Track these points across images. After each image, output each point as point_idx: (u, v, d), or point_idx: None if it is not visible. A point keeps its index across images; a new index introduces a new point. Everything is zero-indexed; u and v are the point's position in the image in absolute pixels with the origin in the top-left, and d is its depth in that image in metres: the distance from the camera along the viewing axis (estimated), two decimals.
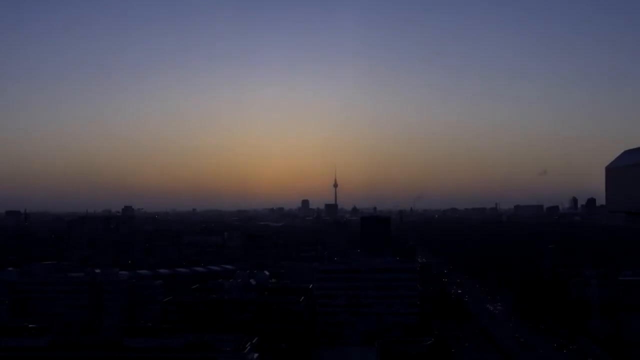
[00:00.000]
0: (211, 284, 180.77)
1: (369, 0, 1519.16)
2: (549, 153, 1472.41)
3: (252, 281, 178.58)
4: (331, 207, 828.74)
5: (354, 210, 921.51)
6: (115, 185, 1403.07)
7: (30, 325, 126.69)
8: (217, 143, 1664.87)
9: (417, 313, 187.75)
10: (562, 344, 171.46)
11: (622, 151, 9.53)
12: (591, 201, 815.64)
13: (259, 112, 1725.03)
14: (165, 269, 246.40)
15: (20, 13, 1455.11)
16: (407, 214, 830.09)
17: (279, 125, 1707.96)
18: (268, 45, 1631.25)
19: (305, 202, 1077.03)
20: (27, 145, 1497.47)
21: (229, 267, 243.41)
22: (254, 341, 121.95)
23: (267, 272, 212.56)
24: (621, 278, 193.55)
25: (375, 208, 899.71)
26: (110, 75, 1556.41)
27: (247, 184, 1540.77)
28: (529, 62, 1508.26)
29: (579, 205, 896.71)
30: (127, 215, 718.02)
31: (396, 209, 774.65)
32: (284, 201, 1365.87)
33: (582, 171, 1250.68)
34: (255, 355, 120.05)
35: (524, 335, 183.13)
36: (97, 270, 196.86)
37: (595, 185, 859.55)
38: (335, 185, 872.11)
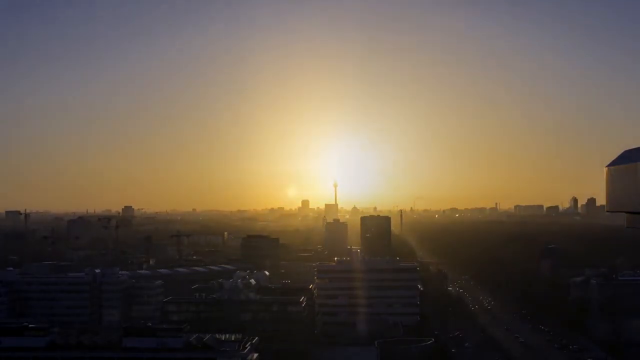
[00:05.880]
0: (211, 284, 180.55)
1: (371, 3, 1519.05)
2: (549, 153, 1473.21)
3: (252, 281, 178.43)
4: (331, 207, 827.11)
5: (354, 210, 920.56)
6: (115, 185, 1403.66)
7: (30, 325, 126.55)
8: (217, 143, 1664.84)
9: (417, 313, 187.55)
10: (562, 344, 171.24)
11: (622, 151, 9.51)
12: (591, 201, 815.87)
13: (259, 112, 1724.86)
14: (165, 269, 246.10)
15: (18, 13, 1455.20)
16: (407, 213, 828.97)
17: (279, 125, 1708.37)
18: (269, 45, 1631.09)
19: (305, 202, 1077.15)
20: (27, 145, 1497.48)
21: (229, 267, 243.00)
22: (254, 341, 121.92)
23: (267, 272, 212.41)
24: (621, 278, 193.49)
25: (375, 208, 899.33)
26: (111, 76, 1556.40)
27: (247, 184, 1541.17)
28: (529, 63, 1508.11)
29: (579, 205, 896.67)
30: (127, 215, 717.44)
31: (396, 209, 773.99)
32: (284, 201, 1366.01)
33: (582, 171, 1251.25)
34: (255, 355, 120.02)
35: (524, 335, 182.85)
36: (97, 270, 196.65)
37: (595, 185, 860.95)
38: (335, 186, 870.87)
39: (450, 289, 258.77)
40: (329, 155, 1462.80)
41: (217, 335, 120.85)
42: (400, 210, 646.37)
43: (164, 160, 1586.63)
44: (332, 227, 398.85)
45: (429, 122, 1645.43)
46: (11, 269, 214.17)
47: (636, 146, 9.31)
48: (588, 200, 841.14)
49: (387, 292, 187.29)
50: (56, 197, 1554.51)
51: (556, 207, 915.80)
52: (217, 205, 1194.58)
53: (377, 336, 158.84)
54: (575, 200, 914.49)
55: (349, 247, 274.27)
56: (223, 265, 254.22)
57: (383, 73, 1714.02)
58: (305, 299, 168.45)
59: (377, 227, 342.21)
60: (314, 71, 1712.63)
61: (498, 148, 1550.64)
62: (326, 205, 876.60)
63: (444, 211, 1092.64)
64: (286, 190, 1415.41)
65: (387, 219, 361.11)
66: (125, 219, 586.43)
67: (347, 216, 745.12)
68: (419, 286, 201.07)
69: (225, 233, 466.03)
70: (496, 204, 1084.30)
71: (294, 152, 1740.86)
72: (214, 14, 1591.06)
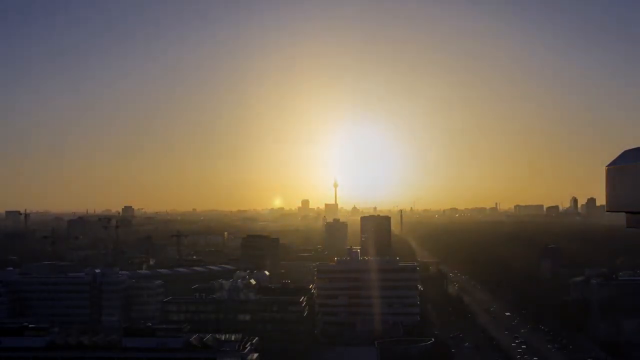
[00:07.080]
0: (211, 284, 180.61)
1: (371, 3, 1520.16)
2: (549, 153, 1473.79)
3: (252, 281, 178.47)
4: (331, 207, 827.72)
5: (354, 210, 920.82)
6: (115, 185, 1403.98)
7: (30, 325, 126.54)
8: (218, 143, 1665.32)
9: (417, 313, 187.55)
10: (562, 344, 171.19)
11: (622, 151, 9.48)
12: (591, 201, 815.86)
13: (259, 112, 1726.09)
14: (165, 269, 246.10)
15: (18, 12, 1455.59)
16: (407, 213, 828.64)
17: (280, 125, 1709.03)
18: (269, 46, 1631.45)
19: (305, 202, 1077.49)
20: (27, 145, 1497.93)
21: (229, 267, 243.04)
22: (254, 341, 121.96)
23: (267, 272, 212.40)
24: (621, 278, 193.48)
25: (375, 208, 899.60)
26: (111, 76, 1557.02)
27: (247, 184, 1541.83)
28: (529, 63, 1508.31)
29: (579, 205, 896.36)
30: (127, 215, 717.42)
31: (396, 209, 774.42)
32: (284, 201, 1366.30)
33: (582, 171, 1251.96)
34: (255, 355, 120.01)
35: (524, 335, 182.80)
36: (97, 270, 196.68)
37: (595, 185, 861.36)
38: (335, 185, 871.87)
39: (450, 289, 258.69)
40: (329, 155, 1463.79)
41: (217, 335, 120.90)
42: (400, 210, 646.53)
43: (164, 160, 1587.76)
44: (332, 227, 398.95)
45: (429, 122, 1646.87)
46: (11, 269, 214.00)
47: (636, 146, 9.27)
48: (588, 200, 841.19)
49: (387, 292, 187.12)
50: (56, 197, 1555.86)
51: (556, 207, 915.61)
52: (217, 205, 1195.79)
53: (377, 336, 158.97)
54: (575, 200, 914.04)
55: (349, 247, 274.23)
56: (223, 265, 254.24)
57: (383, 73, 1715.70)
58: (305, 299, 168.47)
59: (377, 227, 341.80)
60: (314, 71, 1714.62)
61: (498, 148, 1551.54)
62: (326, 205, 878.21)
63: (444, 211, 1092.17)
64: (285, 192, 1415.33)
65: (387, 219, 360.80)
66: (125, 219, 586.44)
67: (347, 216, 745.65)
68: (419, 286, 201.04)
69: (225, 233, 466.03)
70: (496, 204, 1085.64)
71: (294, 152, 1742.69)
72: (215, 15, 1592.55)
